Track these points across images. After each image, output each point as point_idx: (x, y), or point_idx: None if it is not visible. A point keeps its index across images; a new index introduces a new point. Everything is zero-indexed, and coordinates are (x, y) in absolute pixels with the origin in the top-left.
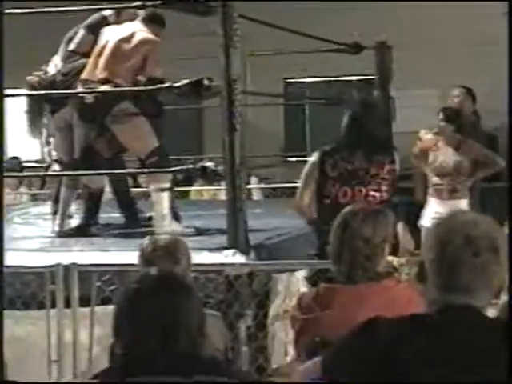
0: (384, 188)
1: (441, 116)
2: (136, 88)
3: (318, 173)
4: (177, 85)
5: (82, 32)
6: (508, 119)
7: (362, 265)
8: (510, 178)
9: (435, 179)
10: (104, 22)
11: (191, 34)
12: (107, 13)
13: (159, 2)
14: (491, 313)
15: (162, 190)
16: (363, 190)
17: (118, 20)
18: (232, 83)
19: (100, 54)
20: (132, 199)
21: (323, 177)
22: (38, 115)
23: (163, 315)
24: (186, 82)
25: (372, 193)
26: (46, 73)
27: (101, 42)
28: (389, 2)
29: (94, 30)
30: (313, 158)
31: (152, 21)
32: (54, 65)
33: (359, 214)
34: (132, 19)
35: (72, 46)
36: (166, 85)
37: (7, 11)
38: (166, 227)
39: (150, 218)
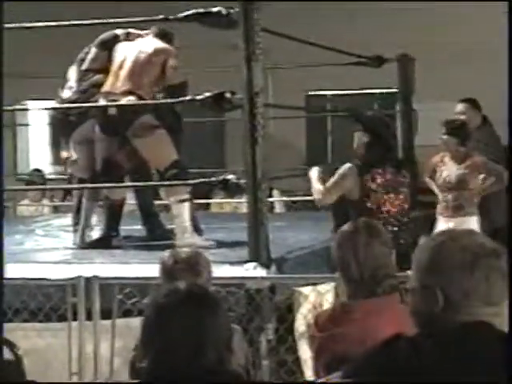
0: (407, 198)
1: (444, 129)
2: (156, 101)
3: (359, 185)
4: (199, 97)
5: (94, 50)
6: (508, 119)
7: (370, 280)
8: (510, 179)
9: (441, 195)
10: (116, 39)
11: (213, 47)
12: (118, 31)
13: (182, 15)
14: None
15: (182, 201)
16: (396, 199)
17: (129, 38)
18: (254, 96)
19: (121, 67)
20: (155, 212)
21: (365, 189)
22: (61, 129)
23: (191, 330)
24: (208, 94)
25: (400, 202)
26: (62, 100)
27: (118, 56)
28: (411, 12)
29: (107, 46)
30: (348, 170)
31: (162, 37)
32: (69, 87)
33: (370, 229)
34: (142, 37)
35: (85, 65)
36: (188, 97)
37: (32, 24)
38: (187, 239)
39: (172, 231)
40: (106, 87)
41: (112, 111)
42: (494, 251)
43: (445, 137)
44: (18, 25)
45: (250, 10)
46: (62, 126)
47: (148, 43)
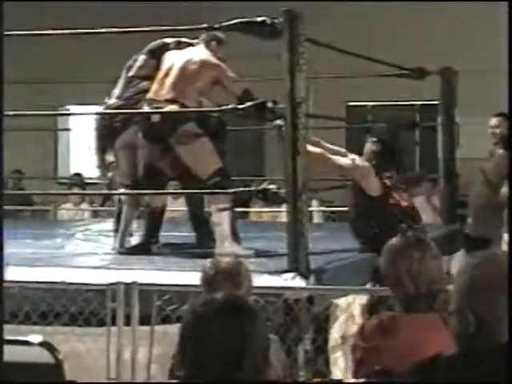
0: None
1: (500, 144)
2: (199, 109)
3: (379, 182)
4: (241, 107)
5: (142, 57)
6: (508, 118)
7: (426, 295)
8: (510, 179)
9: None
10: (165, 47)
11: (255, 56)
12: (168, 40)
13: (225, 24)
14: None
15: (223, 210)
16: (406, 197)
17: (179, 47)
18: (296, 106)
19: (167, 75)
20: (206, 219)
21: (384, 185)
22: (106, 135)
23: (228, 340)
24: (250, 104)
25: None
26: (107, 106)
27: (166, 63)
28: (455, 25)
29: (156, 54)
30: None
31: (210, 41)
32: (114, 93)
33: (421, 243)
34: (192, 45)
35: (132, 72)
36: (230, 106)
37: (78, 31)
38: (227, 248)
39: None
40: (151, 94)
41: (155, 118)
42: None
43: (501, 151)
44: (60, 31)
45: (295, 20)
46: (108, 132)
47: (197, 53)
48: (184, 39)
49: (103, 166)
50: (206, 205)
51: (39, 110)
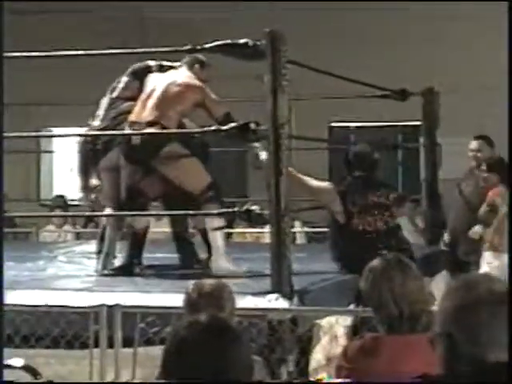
0: (388, 216)
1: (484, 166)
2: (181, 130)
3: (342, 207)
4: (224, 128)
5: (125, 78)
6: (508, 120)
7: (409, 316)
8: (509, 180)
9: None
10: (147, 69)
11: (237, 77)
12: (151, 62)
13: (208, 46)
14: None
15: (216, 229)
16: (378, 219)
17: (162, 70)
18: (279, 127)
19: (149, 97)
20: (190, 240)
21: (347, 212)
22: (89, 158)
23: (211, 362)
24: (233, 125)
25: (381, 222)
26: (91, 128)
27: (149, 86)
28: (436, 47)
29: (138, 76)
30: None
31: (193, 64)
32: (97, 115)
33: (402, 265)
34: (175, 69)
35: (116, 93)
36: (213, 128)
37: (65, 53)
38: (222, 266)
39: (203, 261)
40: (132, 116)
41: (136, 141)
42: (502, 298)
43: (485, 174)
44: (44, 53)
45: (277, 42)
46: (91, 154)
47: (180, 76)
48: (166, 62)
49: (86, 188)
50: (189, 225)
51: (22, 132)
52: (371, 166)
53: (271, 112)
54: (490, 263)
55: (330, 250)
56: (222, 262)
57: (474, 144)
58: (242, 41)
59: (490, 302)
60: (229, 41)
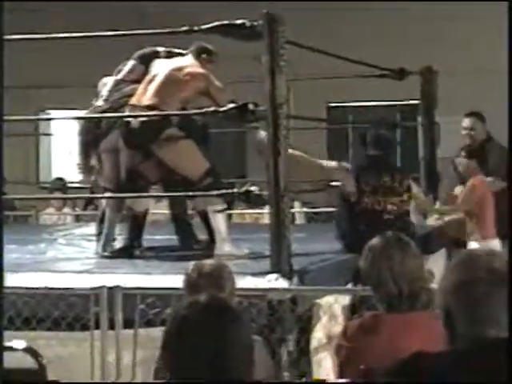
0: (400, 201)
1: (463, 153)
2: (180, 112)
3: (355, 184)
4: (222, 109)
5: (132, 62)
6: (508, 119)
7: (409, 294)
8: (509, 180)
9: None
10: (155, 54)
11: (235, 58)
12: (159, 48)
13: (205, 27)
14: None
15: (218, 211)
16: (388, 202)
17: (169, 55)
18: (278, 108)
19: (151, 82)
20: (188, 221)
21: (359, 191)
22: (89, 140)
23: (211, 342)
24: (231, 106)
25: (391, 205)
26: (94, 108)
27: (153, 71)
28: (436, 27)
29: (145, 60)
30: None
31: (200, 53)
32: (101, 95)
33: (402, 243)
34: (182, 55)
35: (121, 75)
36: (212, 109)
37: (58, 35)
38: (225, 249)
39: (203, 241)
40: (133, 100)
41: (134, 125)
42: (501, 275)
43: (465, 160)
44: (42, 35)
45: (275, 23)
46: (92, 136)
47: (185, 63)
48: (175, 50)
49: (86, 170)
50: (188, 207)
51: (20, 115)
52: (387, 147)
53: (269, 92)
54: None
55: (335, 228)
56: (225, 246)
57: (466, 122)
58: (239, 21)
59: (489, 279)
60: (226, 22)
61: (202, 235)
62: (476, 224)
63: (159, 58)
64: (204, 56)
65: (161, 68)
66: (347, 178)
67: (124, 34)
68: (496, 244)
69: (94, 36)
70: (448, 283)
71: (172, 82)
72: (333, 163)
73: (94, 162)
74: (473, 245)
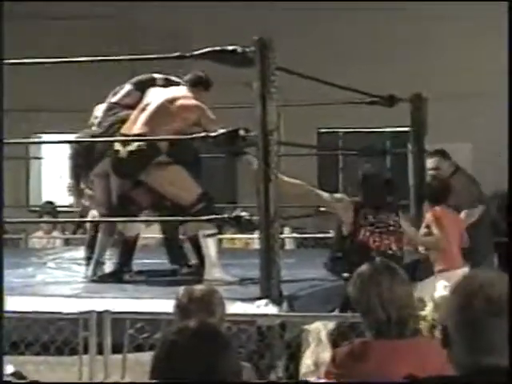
0: (395, 242)
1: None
2: (170, 137)
3: (352, 219)
4: (213, 134)
5: (128, 86)
6: (508, 122)
7: (397, 320)
8: (509, 184)
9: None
10: (152, 82)
11: (226, 84)
12: (157, 75)
13: (197, 53)
14: None
15: (209, 235)
16: (386, 239)
17: (166, 83)
18: (268, 134)
19: (143, 110)
20: (181, 246)
21: (356, 224)
22: (81, 164)
23: (200, 368)
24: (221, 131)
25: (390, 242)
26: (88, 132)
27: (146, 99)
28: (424, 53)
29: (141, 87)
30: (347, 198)
31: (197, 84)
32: (95, 117)
33: (390, 270)
34: (177, 85)
35: (115, 98)
36: (202, 134)
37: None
38: (215, 274)
39: (190, 266)
40: (124, 128)
41: (123, 154)
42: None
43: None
44: (33, 60)
45: (266, 49)
46: (83, 160)
47: (179, 95)
48: (172, 77)
49: (76, 192)
50: (189, 232)
51: (11, 138)
52: (391, 187)
53: (260, 118)
54: (446, 286)
55: (328, 256)
56: (214, 271)
57: (430, 163)
58: (231, 47)
59: (487, 308)
60: (218, 48)
61: (193, 260)
62: (439, 256)
63: (155, 85)
64: (201, 88)
65: (154, 97)
66: (347, 210)
67: (116, 59)
68: (460, 273)
69: (83, 61)
70: (448, 307)
71: (164, 112)
72: (338, 195)
73: (83, 185)
74: (439, 277)
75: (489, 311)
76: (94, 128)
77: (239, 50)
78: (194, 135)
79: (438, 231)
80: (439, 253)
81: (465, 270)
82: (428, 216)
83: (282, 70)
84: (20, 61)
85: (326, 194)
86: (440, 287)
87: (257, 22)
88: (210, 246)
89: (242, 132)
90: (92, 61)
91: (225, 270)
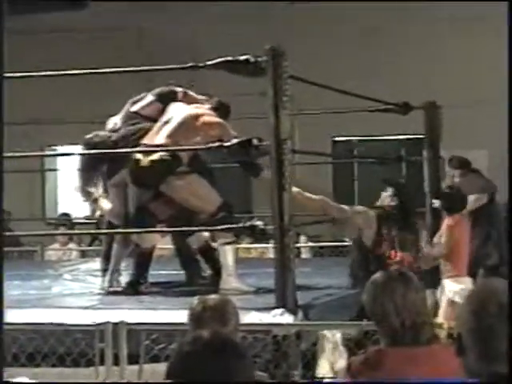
0: (414, 258)
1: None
2: (184, 148)
3: (375, 230)
4: (226, 144)
5: (150, 97)
6: (508, 124)
7: (411, 328)
8: (509, 186)
9: None
10: (173, 95)
11: (240, 94)
12: (177, 89)
13: (210, 63)
14: None
15: (227, 243)
16: (404, 256)
17: (185, 99)
18: (282, 143)
19: (166, 123)
20: (196, 257)
21: (379, 236)
22: (92, 173)
23: (216, 378)
24: (235, 141)
25: (405, 262)
26: (108, 133)
27: (170, 112)
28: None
29: (163, 99)
30: (371, 212)
31: (217, 109)
32: (114, 123)
33: (404, 277)
34: (197, 102)
35: (135, 108)
36: (216, 144)
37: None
38: (232, 284)
39: (204, 277)
40: (146, 139)
41: (144, 163)
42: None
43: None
44: (49, 73)
45: (279, 58)
46: (95, 164)
47: (201, 111)
48: (191, 92)
49: (89, 198)
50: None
51: (26, 151)
52: (412, 201)
53: (273, 128)
54: (451, 290)
55: (350, 265)
56: (231, 281)
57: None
58: (243, 57)
59: (501, 320)
60: (231, 57)
61: (208, 270)
62: (451, 262)
63: (176, 99)
64: (220, 115)
65: (178, 112)
66: (370, 224)
67: (128, 71)
68: (466, 282)
69: (99, 73)
70: (461, 315)
71: (188, 127)
72: (359, 208)
73: (93, 190)
74: (447, 283)
75: (502, 318)
76: (114, 135)
77: (252, 59)
78: (209, 145)
79: (446, 240)
80: (448, 260)
81: (468, 279)
82: (443, 225)
83: (295, 79)
84: (35, 74)
85: (346, 208)
86: (449, 293)
87: (268, 32)
88: (227, 255)
89: (255, 141)
90: (103, 72)
91: (241, 279)
